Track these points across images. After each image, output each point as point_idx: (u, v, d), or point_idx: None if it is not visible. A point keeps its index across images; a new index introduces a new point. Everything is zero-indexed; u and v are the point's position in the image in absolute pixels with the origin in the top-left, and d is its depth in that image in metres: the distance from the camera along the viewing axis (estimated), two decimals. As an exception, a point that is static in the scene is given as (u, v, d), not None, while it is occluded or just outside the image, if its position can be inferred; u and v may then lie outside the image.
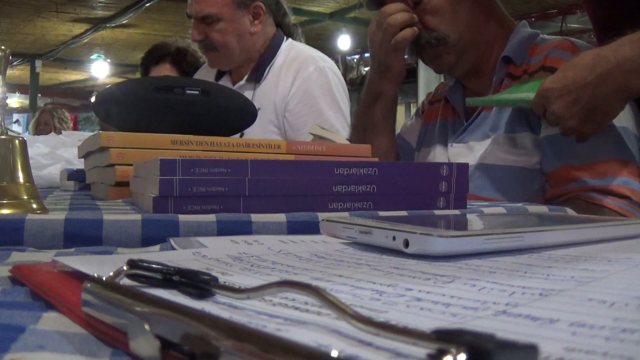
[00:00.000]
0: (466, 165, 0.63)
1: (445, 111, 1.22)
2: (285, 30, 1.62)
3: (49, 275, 0.29)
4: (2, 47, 0.53)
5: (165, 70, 1.98)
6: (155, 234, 0.46)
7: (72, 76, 11.32)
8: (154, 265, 0.26)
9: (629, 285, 0.29)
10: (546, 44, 1.08)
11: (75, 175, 1.02)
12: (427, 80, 7.69)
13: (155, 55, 2.02)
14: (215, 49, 1.54)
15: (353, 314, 0.19)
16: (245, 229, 0.49)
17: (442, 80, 1.35)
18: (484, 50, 1.13)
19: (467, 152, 1.11)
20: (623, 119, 0.98)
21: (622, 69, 0.85)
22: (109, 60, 9.69)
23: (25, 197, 0.53)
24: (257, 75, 1.56)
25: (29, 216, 0.45)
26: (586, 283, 0.28)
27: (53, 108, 4.36)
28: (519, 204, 0.68)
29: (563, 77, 0.88)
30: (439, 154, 1.19)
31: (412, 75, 8.52)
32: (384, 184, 0.59)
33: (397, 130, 1.30)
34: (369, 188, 0.58)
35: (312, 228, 0.50)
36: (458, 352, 0.14)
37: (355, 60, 9.47)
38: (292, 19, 1.67)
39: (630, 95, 0.90)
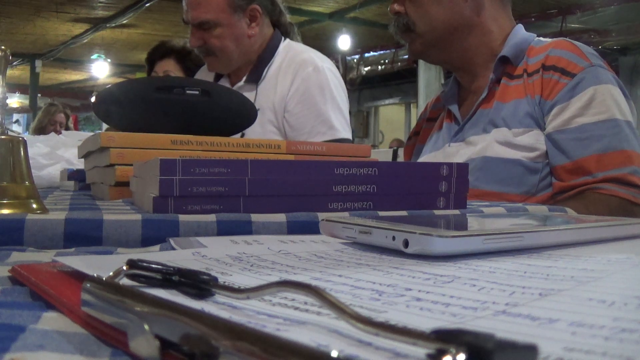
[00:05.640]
0: (466, 165, 0.63)
1: (442, 122, 1.24)
2: (282, 29, 1.62)
3: (49, 275, 0.29)
4: (2, 47, 0.53)
5: (169, 65, 1.99)
6: (155, 234, 0.46)
7: (72, 76, 11.32)
8: (153, 265, 0.26)
9: (628, 285, 0.29)
10: (544, 44, 1.09)
11: (75, 175, 1.02)
12: (427, 80, 7.68)
13: (161, 50, 2.04)
14: (213, 54, 1.54)
15: (352, 313, 0.19)
16: (245, 229, 0.49)
17: (442, 80, 1.37)
18: (467, 51, 1.15)
19: (466, 147, 1.12)
20: (627, 114, 1.01)
21: None
22: (109, 60, 9.69)
23: (25, 197, 0.53)
24: (255, 76, 1.56)
25: (29, 216, 0.45)
26: (586, 283, 0.28)
27: (63, 109, 4.26)
28: (519, 204, 0.68)
29: None
30: (435, 157, 1.21)
31: (412, 75, 8.52)
32: (384, 184, 0.59)
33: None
34: (369, 188, 0.58)
35: (312, 228, 0.50)
36: (457, 352, 0.14)
37: (355, 60, 9.48)
38: (288, 17, 1.67)
39: None
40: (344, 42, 8.36)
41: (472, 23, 1.14)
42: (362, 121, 11.18)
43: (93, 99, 1.02)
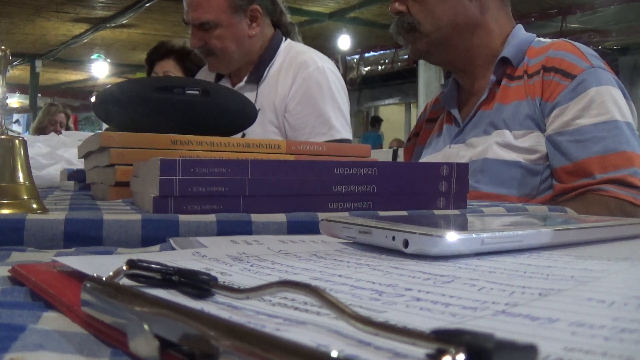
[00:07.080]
0: (466, 165, 0.63)
1: (442, 124, 1.24)
2: (282, 29, 1.62)
3: (49, 275, 0.29)
4: (2, 47, 0.53)
5: (169, 65, 1.99)
6: (155, 234, 0.46)
7: (72, 76, 11.33)
8: (153, 265, 0.26)
9: (628, 285, 0.29)
10: (544, 45, 1.09)
11: (75, 175, 1.02)
12: (427, 80, 7.68)
13: (161, 50, 2.04)
14: (214, 54, 1.54)
15: (352, 313, 0.19)
16: (245, 229, 0.49)
17: (442, 81, 1.37)
18: (469, 51, 1.15)
19: (466, 148, 1.11)
20: (627, 115, 1.01)
21: None
22: (109, 60, 9.70)
23: (25, 197, 0.53)
24: (256, 76, 1.56)
25: (29, 216, 0.45)
26: (586, 283, 0.28)
27: (63, 109, 4.25)
28: (519, 204, 0.68)
29: None
30: (435, 159, 1.20)
31: (412, 75, 8.52)
32: (384, 184, 0.59)
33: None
34: (368, 188, 0.58)
35: (312, 228, 0.50)
36: (457, 352, 0.14)
37: (355, 60, 9.48)
38: (289, 17, 1.67)
39: None
40: (344, 42, 8.36)
41: (477, 23, 1.13)
42: (362, 121, 11.19)
43: (93, 99, 1.02)
